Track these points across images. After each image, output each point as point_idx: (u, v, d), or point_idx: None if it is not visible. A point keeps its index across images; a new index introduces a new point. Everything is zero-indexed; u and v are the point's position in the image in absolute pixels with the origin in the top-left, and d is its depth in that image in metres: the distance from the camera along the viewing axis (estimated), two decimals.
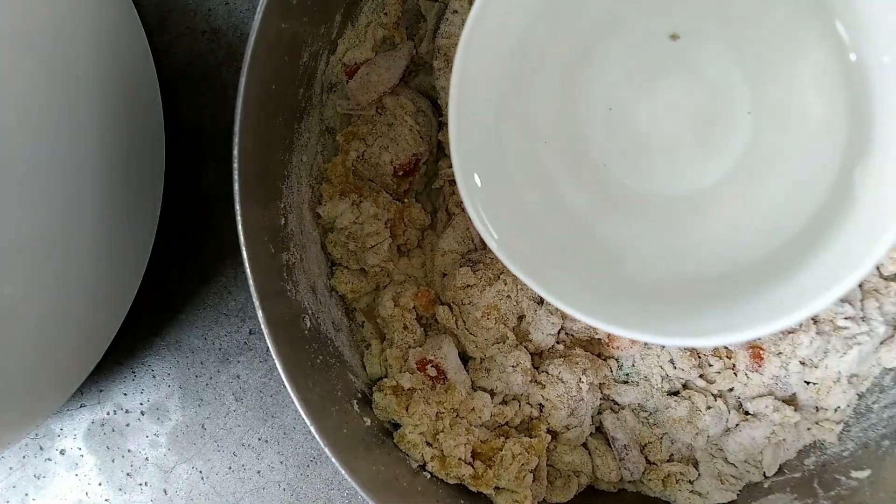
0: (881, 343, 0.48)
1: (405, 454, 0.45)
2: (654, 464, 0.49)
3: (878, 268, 0.49)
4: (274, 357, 0.39)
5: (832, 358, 0.47)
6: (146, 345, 0.55)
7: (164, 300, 0.54)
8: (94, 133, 0.43)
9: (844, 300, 0.48)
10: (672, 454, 0.50)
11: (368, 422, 0.45)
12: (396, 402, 0.45)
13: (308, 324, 0.45)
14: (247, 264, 0.39)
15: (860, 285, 0.49)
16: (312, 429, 0.39)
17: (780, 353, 0.48)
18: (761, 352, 0.48)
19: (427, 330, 0.49)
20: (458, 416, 0.46)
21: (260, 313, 0.39)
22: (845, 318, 0.47)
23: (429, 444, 0.45)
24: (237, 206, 0.38)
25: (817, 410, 0.49)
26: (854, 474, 0.46)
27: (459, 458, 0.45)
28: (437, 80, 0.48)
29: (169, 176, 0.52)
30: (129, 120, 0.47)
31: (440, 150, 0.50)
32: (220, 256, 0.54)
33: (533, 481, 0.46)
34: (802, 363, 0.48)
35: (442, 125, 0.50)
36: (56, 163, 0.40)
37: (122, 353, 0.54)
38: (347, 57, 0.48)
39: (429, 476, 0.45)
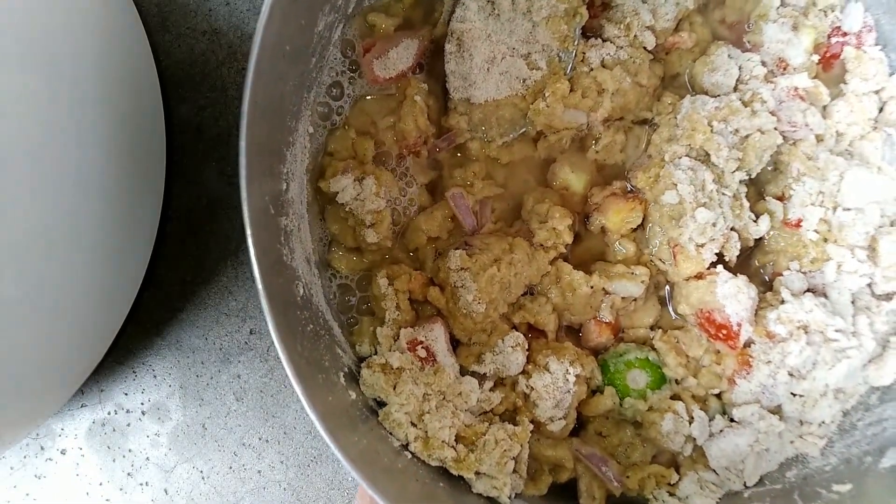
0: (869, 361, 0.48)
1: (388, 433, 0.45)
2: (635, 464, 0.49)
3: (870, 286, 0.49)
4: (266, 313, 0.38)
5: (820, 370, 0.48)
6: (147, 345, 0.55)
7: (164, 300, 0.54)
8: (96, 133, 0.43)
9: (836, 313, 0.48)
10: (655, 455, 0.50)
11: (353, 396, 0.45)
12: (384, 380, 0.45)
13: (301, 291, 0.44)
14: (246, 218, 0.38)
15: (852, 301, 0.49)
16: (298, 390, 0.38)
17: (770, 361, 0.48)
18: (750, 359, 0.48)
19: (419, 312, 0.49)
20: (444, 398, 0.46)
21: (255, 269, 0.38)
22: (836, 331, 0.47)
23: (413, 425, 0.45)
24: (242, 159, 0.38)
25: (801, 424, 0.49)
26: (836, 488, 0.46)
27: (443, 441, 0.45)
28: (447, 64, 0.49)
29: (170, 176, 0.52)
30: (130, 120, 0.47)
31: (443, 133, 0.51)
32: (221, 256, 0.54)
33: (513, 472, 0.46)
34: (791, 374, 0.48)
35: (448, 110, 0.50)
36: (57, 163, 0.40)
37: (122, 353, 0.54)
38: (363, 33, 0.49)
39: (410, 456, 0.45)
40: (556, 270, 0.49)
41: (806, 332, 0.47)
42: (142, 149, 0.49)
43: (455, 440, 0.45)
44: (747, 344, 0.49)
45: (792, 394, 0.48)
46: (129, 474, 0.55)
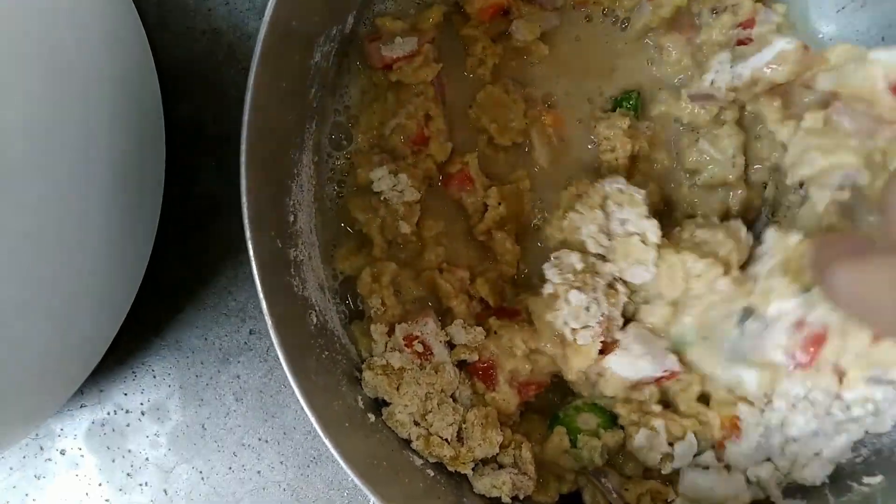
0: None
1: (392, 432, 0.45)
2: (629, 477, 0.47)
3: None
4: (277, 348, 0.38)
5: (819, 439, 0.44)
6: (146, 345, 0.54)
7: (164, 300, 0.54)
8: (95, 133, 0.43)
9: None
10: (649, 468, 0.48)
11: (373, 418, 0.45)
12: (387, 382, 0.45)
13: (315, 320, 0.45)
14: (252, 254, 0.38)
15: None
16: (322, 434, 0.39)
17: (759, 424, 0.45)
18: (738, 421, 0.45)
19: (407, 307, 0.49)
20: (445, 395, 0.46)
21: (264, 306, 0.38)
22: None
23: (416, 424, 0.45)
24: (243, 198, 0.38)
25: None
26: (866, 480, 0.45)
27: (444, 439, 0.45)
28: None
29: (169, 176, 0.52)
30: (130, 120, 0.47)
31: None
32: (221, 256, 0.54)
33: (521, 473, 0.46)
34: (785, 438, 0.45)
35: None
36: (56, 163, 0.40)
37: (122, 353, 0.54)
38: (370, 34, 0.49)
39: (414, 457, 0.45)
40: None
41: (812, 405, 0.44)
42: (141, 148, 0.49)
43: (457, 438, 0.45)
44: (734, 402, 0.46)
45: (782, 450, 0.46)
46: (128, 475, 0.55)
